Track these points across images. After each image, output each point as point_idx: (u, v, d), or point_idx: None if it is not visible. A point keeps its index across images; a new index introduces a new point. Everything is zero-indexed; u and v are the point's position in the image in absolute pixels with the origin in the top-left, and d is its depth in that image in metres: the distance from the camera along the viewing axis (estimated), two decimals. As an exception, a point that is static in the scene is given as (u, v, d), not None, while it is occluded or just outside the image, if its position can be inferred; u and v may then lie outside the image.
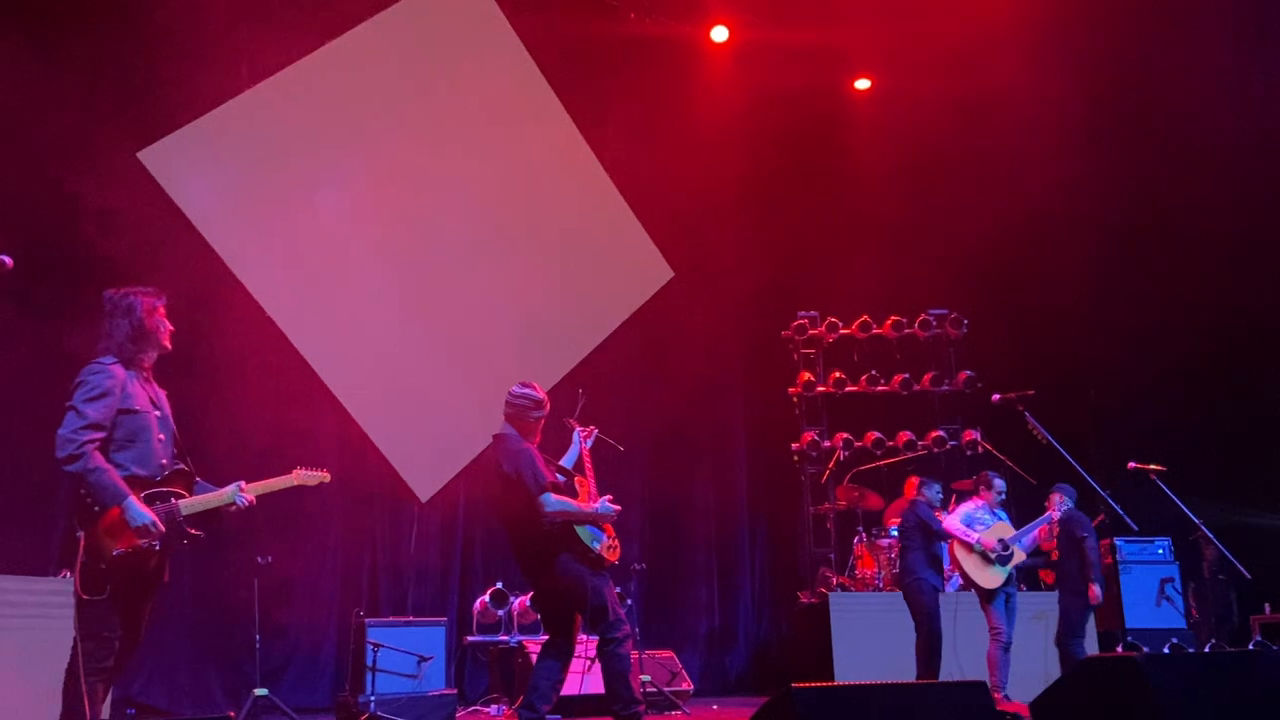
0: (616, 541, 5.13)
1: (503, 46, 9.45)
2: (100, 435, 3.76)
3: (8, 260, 3.59)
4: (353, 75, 8.75)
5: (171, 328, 4.11)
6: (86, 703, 3.65)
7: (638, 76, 9.78)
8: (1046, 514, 7.35)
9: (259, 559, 6.88)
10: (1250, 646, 8.61)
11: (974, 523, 7.33)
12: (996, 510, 7.47)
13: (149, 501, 3.81)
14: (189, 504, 3.94)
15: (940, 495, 7.52)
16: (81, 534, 3.71)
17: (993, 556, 7.13)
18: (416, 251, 8.96)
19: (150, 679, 7.38)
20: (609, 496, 5.11)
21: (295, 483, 4.34)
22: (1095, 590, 7.03)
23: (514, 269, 9.30)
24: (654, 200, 9.99)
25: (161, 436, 3.96)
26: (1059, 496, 7.33)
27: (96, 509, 3.70)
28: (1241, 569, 7.08)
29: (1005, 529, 7.32)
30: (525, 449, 4.99)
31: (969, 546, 7.21)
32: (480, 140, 9.28)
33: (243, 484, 4.09)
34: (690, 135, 9.90)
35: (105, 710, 5.11)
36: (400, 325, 8.81)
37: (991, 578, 7.19)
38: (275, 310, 8.30)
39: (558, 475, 5.13)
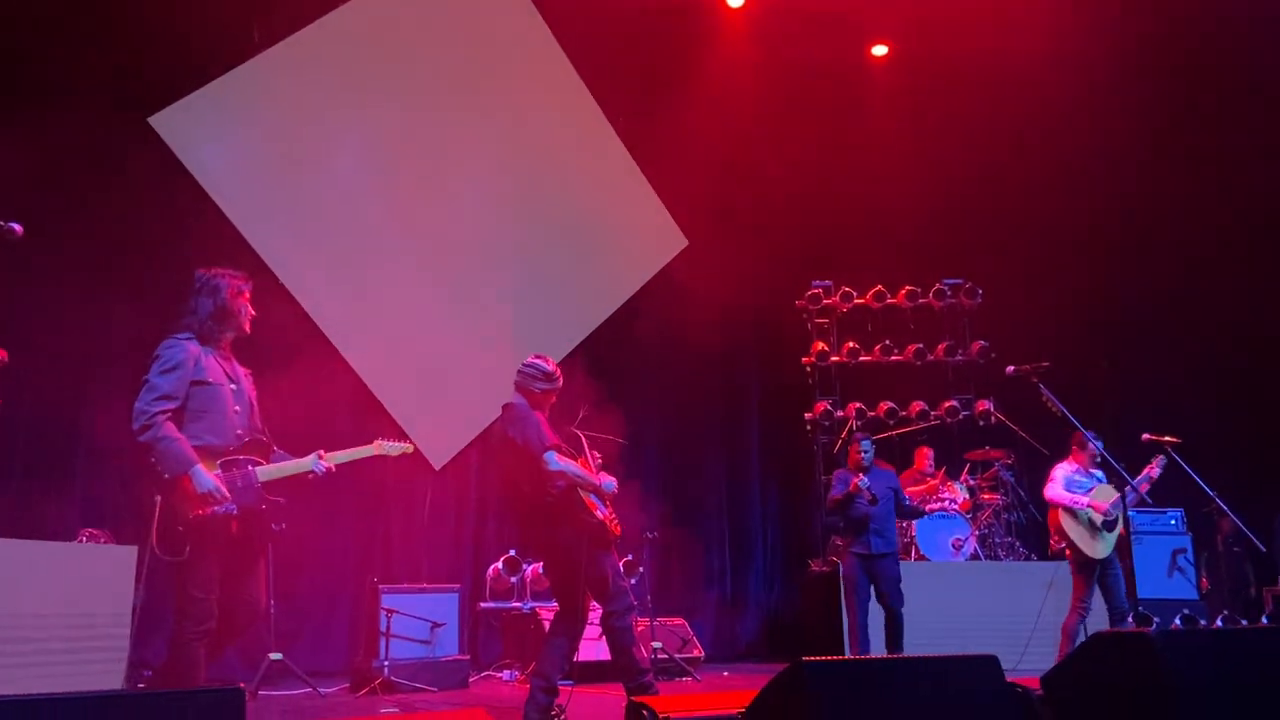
0: (616, 517, 5.14)
1: (517, 12, 9.36)
2: (171, 406, 3.91)
3: (17, 228, 3.66)
4: (365, 41, 8.67)
5: (253, 313, 4.28)
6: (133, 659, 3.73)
7: (653, 43, 9.67)
8: (1146, 473, 6.86)
9: (273, 525, 6.91)
10: (1264, 619, 8.61)
11: (1073, 486, 6.90)
12: (1093, 472, 7.01)
13: (225, 468, 3.96)
14: (266, 470, 4.10)
15: (869, 453, 7.02)
16: (159, 498, 3.86)
17: (1099, 523, 6.71)
18: (430, 218, 8.92)
19: (165, 641, 7.47)
20: (613, 478, 5.13)
21: (375, 452, 4.53)
22: None
23: (528, 236, 9.26)
24: (668, 168, 9.92)
25: (237, 408, 4.11)
26: (1163, 457, 6.86)
27: (166, 476, 3.83)
28: (1257, 541, 7.04)
29: (1108, 492, 6.87)
30: (532, 415, 5.00)
31: (1075, 514, 6.79)
32: (494, 107, 9.22)
33: (321, 452, 4.27)
34: (705, 103, 9.79)
35: (119, 677, 5.17)
36: (414, 292, 8.79)
37: (1100, 547, 6.77)
38: (287, 276, 8.29)
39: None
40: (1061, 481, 6.95)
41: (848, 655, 7.51)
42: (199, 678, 3.84)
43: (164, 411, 3.87)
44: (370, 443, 4.52)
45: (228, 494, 3.88)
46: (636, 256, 9.94)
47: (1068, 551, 6.97)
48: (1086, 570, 6.82)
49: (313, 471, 4.21)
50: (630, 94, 9.80)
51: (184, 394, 3.94)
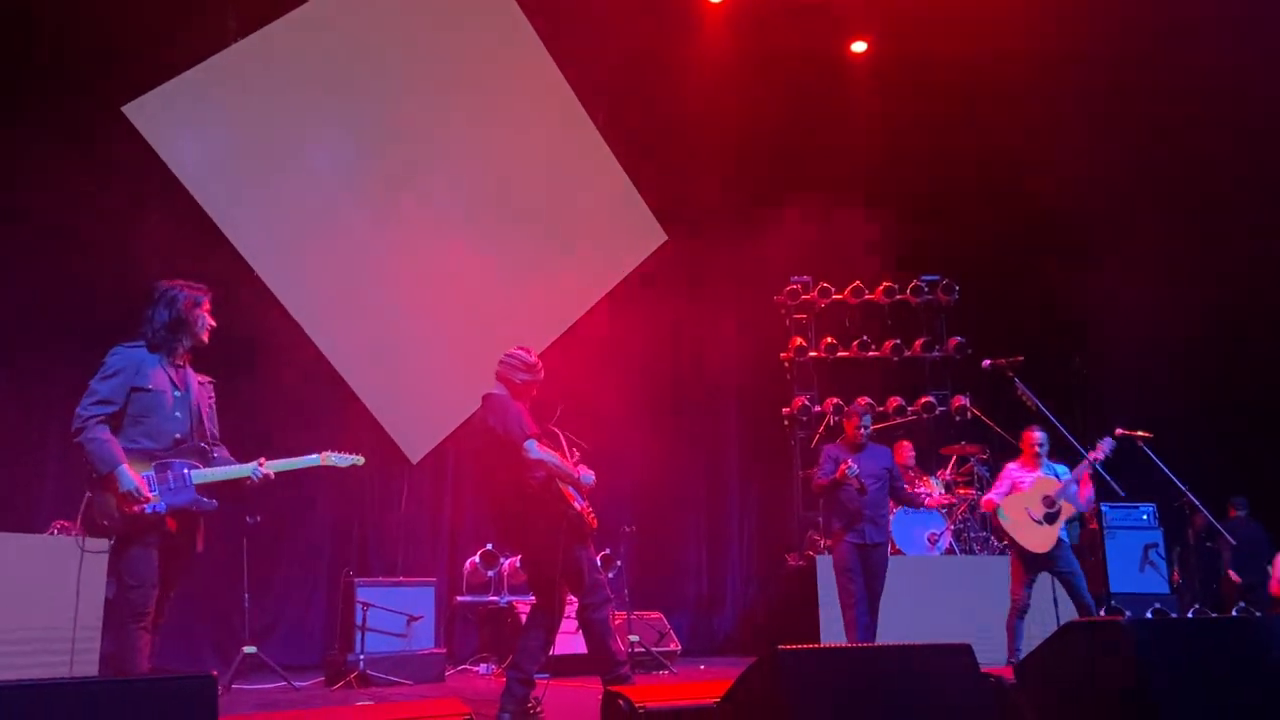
0: (593, 510, 5.14)
1: (496, 4, 9.31)
2: (107, 409, 4.05)
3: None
4: (342, 32, 8.62)
5: (213, 324, 4.34)
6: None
7: (633, 37, 9.65)
8: (1085, 460, 6.55)
9: (247, 518, 6.89)
10: (1234, 613, 8.72)
11: (1013, 483, 6.70)
12: (1043, 466, 6.69)
13: (159, 469, 4.06)
14: (201, 474, 4.17)
15: (870, 429, 6.59)
16: (89, 494, 4.01)
17: (1038, 516, 6.45)
18: (407, 211, 8.87)
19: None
20: (591, 471, 5.12)
21: (322, 463, 4.51)
22: None
23: (507, 230, 9.23)
24: (648, 163, 9.91)
25: (178, 414, 4.19)
26: (1110, 441, 6.52)
27: (95, 475, 3.97)
28: (1228, 536, 7.12)
29: (1049, 484, 6.59)
30: (513, 405, 4.99)
31: (996, 509, 6.62)
32: (472, 99, 9.17)
33: (262, 460, 4.30)
34: (685, 97, 9.81)
35: (93, 668, 5.12)
36: (390, 285, 8.74)
37: (1036, 540, 6.46)
38: (263, 268, 8.23)
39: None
40: (1000, 481, 6.81)
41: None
42: (140, 666, 3.89)
43: (97, 415, 4.02)
44: (318, 452, 4.51)
45: (149, 495, 3.97)
46: (616, 251, 9.92)
47: (1011, 549, 6.78)
48: (1023, 563, 6.60)
49: (250, 478, 4.25)
50: (610, 88, 9.78)
51: (123, 399, 4.07)
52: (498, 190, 9.23)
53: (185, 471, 4.12)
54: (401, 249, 8.80)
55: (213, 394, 4.42)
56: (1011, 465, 6.93)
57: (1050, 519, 6.53)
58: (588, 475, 5.11)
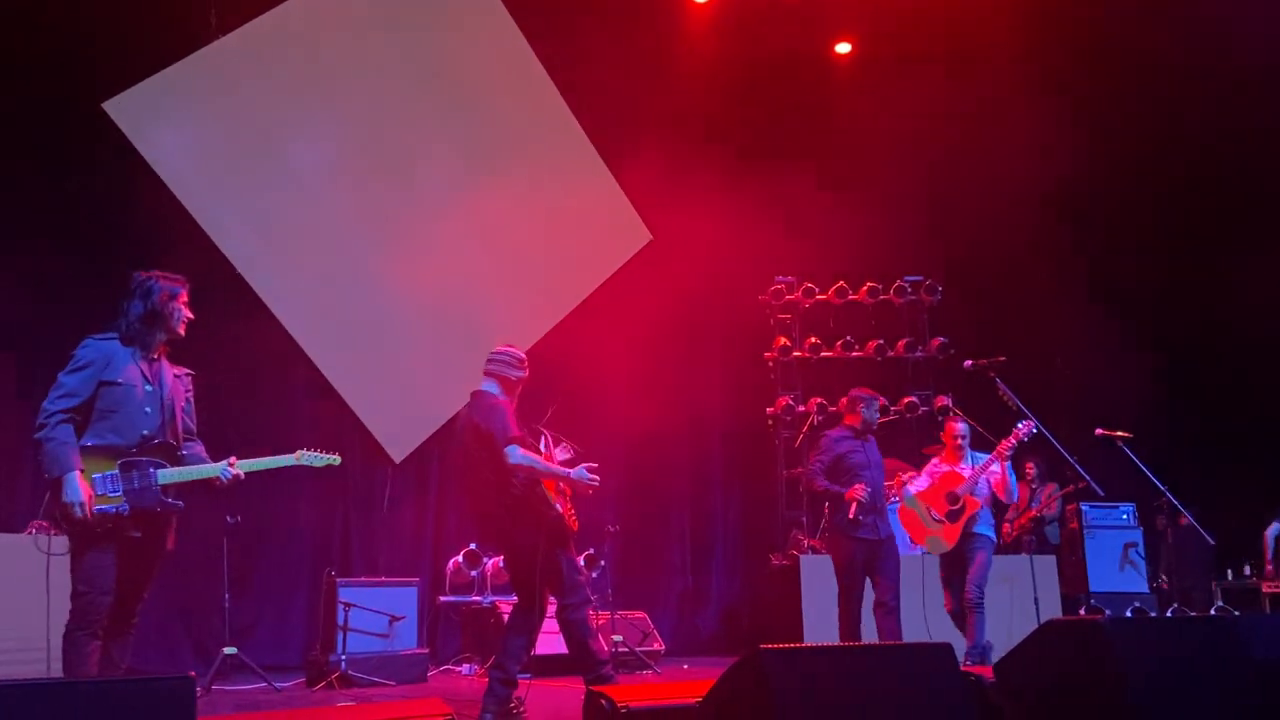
0: (574, 511, 5.12)
1: (481, 3, 9.29)
2: (73, 404, 3.93)
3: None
4: (327, 28, 8.58)
5: (190, 316, 4.22)
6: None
7: (618, 37, 9.64)
8: (994, 452, 6.24)
9: (228, 518, 6.85)
10: (1212, 611, 8.79)
11: (930, 477, 6.55)
12: (966, 458, 6.47)
13: (124, 469, 3.93)
14: (168, 473, 4.04)
15: (876, 415, 6.30)
16: (49, 494, 3.88)
17: (934, 517, 6.25)
18: (391, 208, 8.84)
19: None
20: (586, 465, 5.00)
21: (296, 462, 4.42)
22: None
23: (492, 229, 9.20)
24: (633, 162, 9.91)
25: (147, 410, 4.05)
26: (1026, 426, 6.19)
27: (47, 476, 3.86)
28: (1206, 535, 7.16)
29: (954, 480, 6.39)
30: (500, 404, 4.98)
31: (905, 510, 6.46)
32: (457, 98, 9.15)
33: (232, 459, 4.19)
34: (670, 97, 9.80)
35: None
36: (373, 283, 8.70)
37: (933, 543, 6.29)
38: (245, 266, 8.18)
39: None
40: (921, 476, 6.62)
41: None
42: (87, 674, 3.78)
43: (63, 410, 3.90)
44: (292, 452, 4.42)
45: (90, 511, 3.82)
46: (600, 251, 9.91)
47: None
48: (941, 566, 6.48)
49: (219, 478, 4.14)
50: (595, 88, 9.76)
51: (90, 393, 3.95)
52: (482, 189, 9.20)
53: (152, 471, 4.00)
54: (384, 246, 8.76)
55: (190, 386, 4.29)
56: (934, 460, 6.77)
57: (953, 516, 6.29)
58: (580, 470, 5.01)
